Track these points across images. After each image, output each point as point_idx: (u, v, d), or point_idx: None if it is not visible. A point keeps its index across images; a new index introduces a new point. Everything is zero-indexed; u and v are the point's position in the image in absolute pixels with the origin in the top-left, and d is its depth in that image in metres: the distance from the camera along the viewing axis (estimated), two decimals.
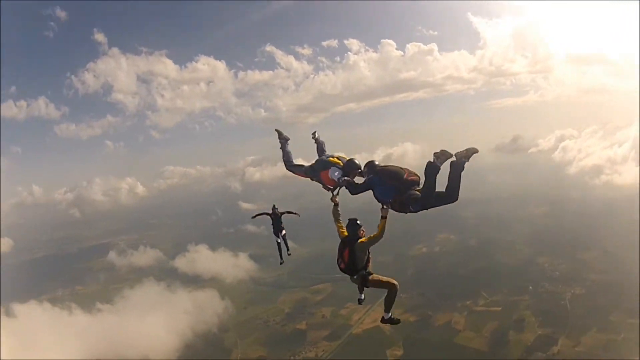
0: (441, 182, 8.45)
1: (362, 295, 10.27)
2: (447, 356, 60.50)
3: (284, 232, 16.88)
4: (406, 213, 9.02)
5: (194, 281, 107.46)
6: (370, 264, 9.54)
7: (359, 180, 9.77)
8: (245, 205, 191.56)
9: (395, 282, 9.55)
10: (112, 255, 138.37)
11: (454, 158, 8.32)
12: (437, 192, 8.66)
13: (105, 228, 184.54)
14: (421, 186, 8.80)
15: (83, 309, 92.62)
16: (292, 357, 69.37)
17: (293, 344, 72.72)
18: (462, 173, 8.26)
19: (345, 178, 9.79)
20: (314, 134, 12.27)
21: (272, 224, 17.04)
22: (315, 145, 12.05)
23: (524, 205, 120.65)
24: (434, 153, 8.44)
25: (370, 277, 9.43)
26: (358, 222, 9.74)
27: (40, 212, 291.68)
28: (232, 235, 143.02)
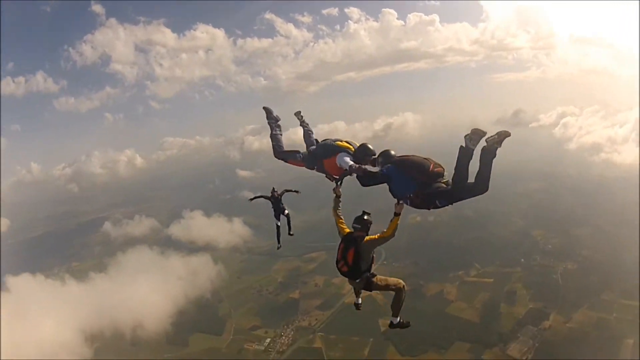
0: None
1: (360, 300, 9.82)
2: (440, 326, 60.76)
3: (286, 212, 15.78)
4: (429, 209, 8.15)
5: (188, 247, 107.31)
6: (374, 264, 8.70)
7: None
8: (242, 173, 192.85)
9: (403, 284, 8.80)
10: (107, 226, 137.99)
11: (485, 138, 7.48)
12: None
13: (103, 202, 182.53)
14: (445, 178, 7.94)
15: (76, 279, 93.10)
16: (285, 327, 69.71)
17: (286, 314, 73.20)
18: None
19: (360, 165, 8.53)
20: (298, 113, 11.01)
21: (273, 208, 15.81)
22: (302, 129, 10.84)
23: (521, 179, 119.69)
24: (465, 136, 7.54)
25: (374, 280, 8.56)
26: (368, 217, 8.58)
27: (39, 189, 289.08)
28: (227, 202, 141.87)
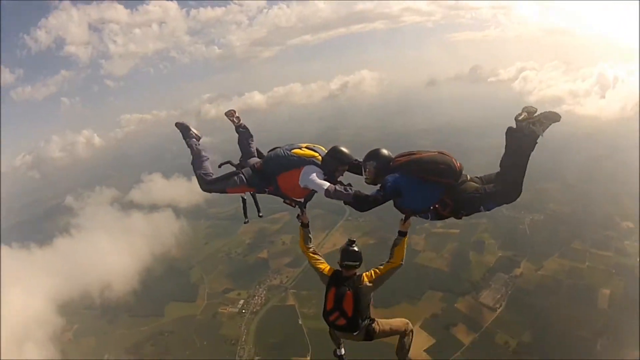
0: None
1: (343, 350, 7.08)
2: (410, 277, 60.34)
3: None
4: (459, 218, 6.57)
5: (150, 210, 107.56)
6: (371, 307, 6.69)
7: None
8: (202, 140, 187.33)
9: (409, 327, 7.01)
10: (69, 200, 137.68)
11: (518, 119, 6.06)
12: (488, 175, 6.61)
13: (66, 185, 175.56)
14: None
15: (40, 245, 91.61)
16: (257, 287, 69.60)
17: (257, 274, 72.98)
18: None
19: (346, 187, 6.47)
20: (230, 113, 8.35)
21: None
22: (237, 135, 8.24)
23: (482, 135, 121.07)
24: (518, 117, 6.06)
25: (375, 327, 6.61)
26: (356, 247, 6.60)
27: (5, 182, 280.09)
28: (186, 164, 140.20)
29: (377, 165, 6.52)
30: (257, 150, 7.98)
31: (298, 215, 7.34)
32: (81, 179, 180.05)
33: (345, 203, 6.46)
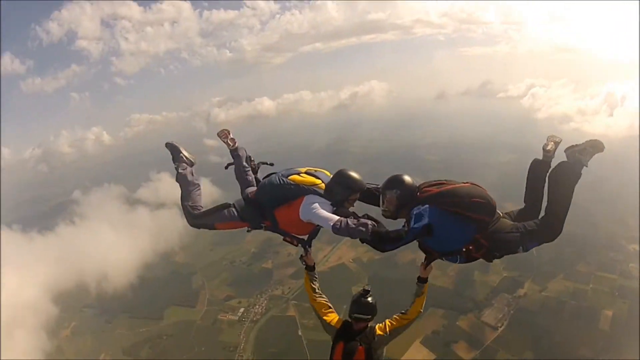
0: None
1: None
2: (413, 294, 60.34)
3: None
4: (490, 261, 5.58)
5: (156, 207, 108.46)
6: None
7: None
8: (209, 142, 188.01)
9: None
10: (77, 194, 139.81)
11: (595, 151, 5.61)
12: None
13: (73, 182, 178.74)
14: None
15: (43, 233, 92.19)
16: (258, 296, 69.16)
17: (260, 283, 72.49)
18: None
19: (361, 219, 5.24)
20: (224, 134, 7.25)
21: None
22: (234, 161, 7.20)
23: (490, 152, 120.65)
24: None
25: None
26: (370, 298, 5.98)
27: (12, 174, 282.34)
28: (195, 165, 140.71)
29: (400, 194, 5.46)
30: (256, 179, 6.92)
31: (301, 256, 6.35)
32: (89, 175, 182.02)
33: (361, 241, 5.33)
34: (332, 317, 6.21)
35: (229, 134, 7.15)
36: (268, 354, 57.35)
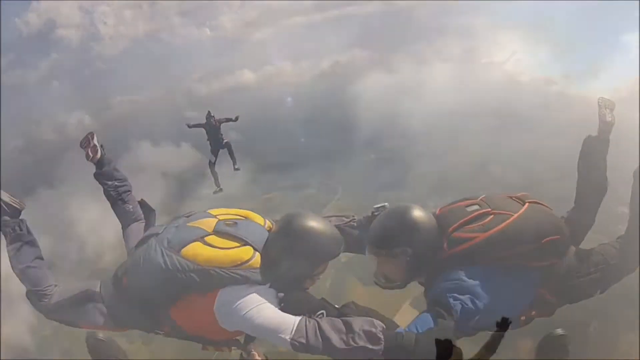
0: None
1: None
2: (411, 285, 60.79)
3: (225, 141, 11.89)
4: (549, 316, 3.35)
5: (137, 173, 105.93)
6: None
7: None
8: (189, 114, 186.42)
9: None
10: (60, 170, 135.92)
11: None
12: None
13: (57, 168, 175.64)
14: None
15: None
16: None
17: None
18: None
19: (372, 329, 2.63)
20: (86, 140, 4.18)
21: (208, 140, 11.74)
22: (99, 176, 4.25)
23: (474, 118, 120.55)
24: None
25: None
26: None
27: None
28: (174, 131, 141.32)
29: (414, 254, 3.08)
30: (142, 205, 4.25)
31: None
32: (72, 158, 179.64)
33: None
34: None
35: (93, 137, 4.22)
36: (276, 353, 57.48)
